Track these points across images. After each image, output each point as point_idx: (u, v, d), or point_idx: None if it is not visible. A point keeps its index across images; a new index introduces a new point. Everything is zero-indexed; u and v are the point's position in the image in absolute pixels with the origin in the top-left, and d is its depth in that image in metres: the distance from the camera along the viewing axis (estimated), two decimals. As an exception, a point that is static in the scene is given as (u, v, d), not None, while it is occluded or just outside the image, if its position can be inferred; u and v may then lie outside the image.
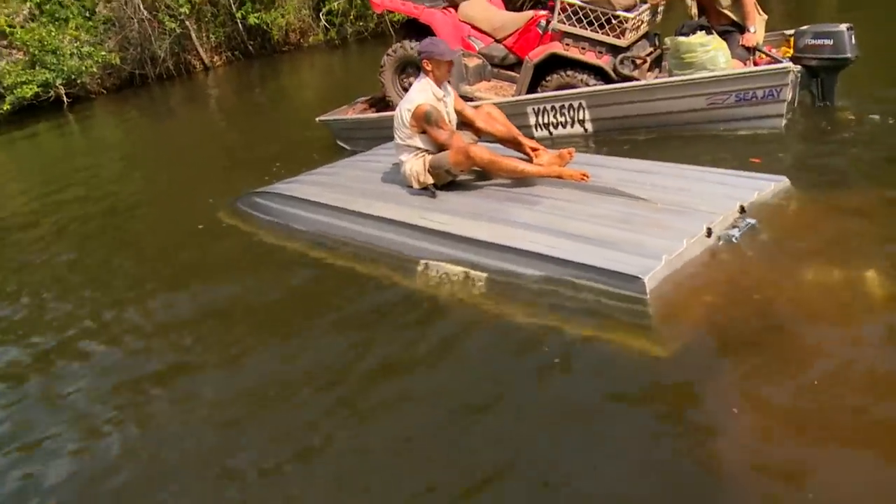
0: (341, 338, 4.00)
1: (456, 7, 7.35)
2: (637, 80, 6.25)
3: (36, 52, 17.60)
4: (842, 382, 2.91)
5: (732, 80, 5.79)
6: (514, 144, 5.03)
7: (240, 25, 19.77)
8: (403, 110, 4.92)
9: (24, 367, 4.51)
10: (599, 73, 6.43)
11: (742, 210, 4.09)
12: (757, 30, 6.15)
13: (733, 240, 3.90)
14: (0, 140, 15.59)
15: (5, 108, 17.22)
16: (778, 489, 2.50)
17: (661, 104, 6.08)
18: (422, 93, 4.89)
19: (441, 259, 4.40)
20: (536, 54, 6.68)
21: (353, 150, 7.69)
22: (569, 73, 6.52)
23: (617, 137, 6.24)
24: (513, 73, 7.00)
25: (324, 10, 19.12)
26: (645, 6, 6.46)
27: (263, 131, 10.84)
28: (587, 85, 6.40)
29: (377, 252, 4.79)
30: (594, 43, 6.41)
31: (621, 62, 6.33)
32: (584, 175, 4.62)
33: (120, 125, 15.28)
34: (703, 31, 6.10)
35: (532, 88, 6.73)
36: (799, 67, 5.81)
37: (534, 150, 4.96)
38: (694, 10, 6.41)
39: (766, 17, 6.31)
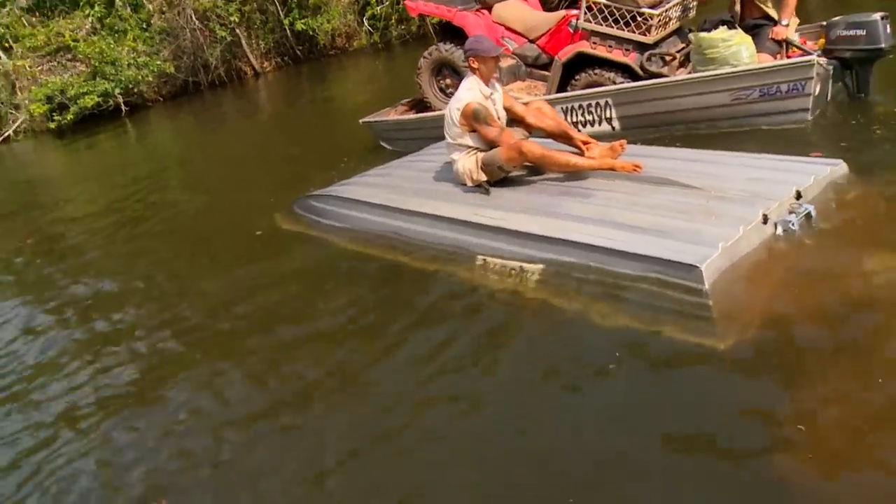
0: (418, 335, 4.02)
1: (489, 9, 7.36)
2: (665, 76, 6.18)
3: (97, 63, 18.16)
4: None
5: (755, 74, 5.67)
6: (565, 139, 4.99)
7: (288, 32, 19.99)
8: (453, 109, 4.92)
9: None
10: (627, 71, 6.39)
11: (798, 195, 4.00)
12: (789, 24, 6.02)
13: (791, 226, 3.82)
14: (65, 148, 16.01)
15: (69, 118, 17.83)
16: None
17: (686, 101, 5.99)
18: (469, 91, 4.88)
19: (497, 254, 4.40)
20: (565, 53, 6.67)
21: (395, 150, 7.81)
22: (596, 71, 6.49)
23: (657, 135, 6.14)
24: (546, 73, 6.98)
25: (367, 14, 19.23)
26: (673, 2, 6.38)
27: (312, 134, 11.01)
28: (614, 83, 6.35)
29: (434, 249, 4.80)
30: (620, 41, 6.37)
31: (648, 59, 6.27)
32: (636, 166, 4.57)
33: (175, 132, 15.62)
34: (725, 26, 5.99)
35: (562, 87, 6.71)
36: (825, 60, 5.65)
37: (585, 143, 4.92)
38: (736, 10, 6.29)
39: (797, 20, 6.18)
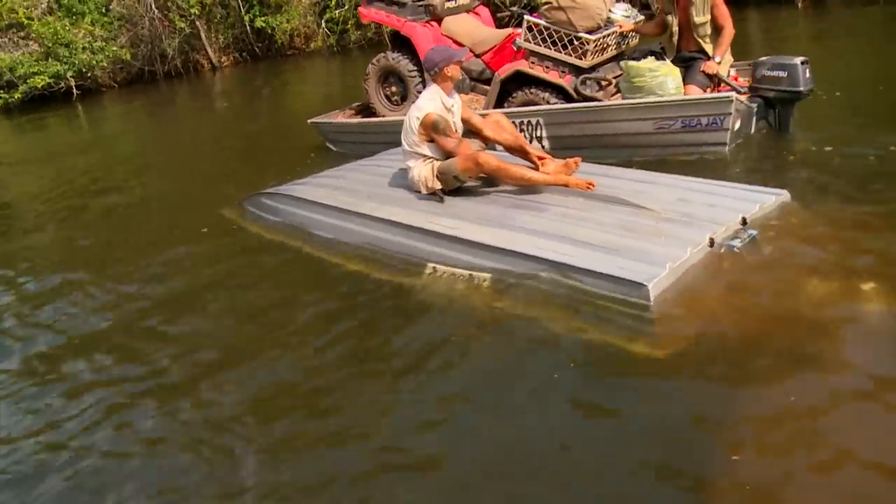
0: (351, 339, 3.97)
1: (439, 21, 7.38)
2: (598, 101, 6.28)
3: (50, 44, 17.73)
4: (837, 396, 2.91)
5: (678, 106, 5.79)
6: (520, 153, 5.01)
7: (248, 28, 19.78)
8: (412, 118, 4.90)
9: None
10: (562, 93, 6.48)
11: (744, 222, 4.09)
12: (722, 60, 6.15)
13: (735, 250, 3.89)
14: (10, 126, 15.59)
15: (17, 97, 17.31)
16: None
17: (612, 126, 6.07)
18: (431, 101, 4.87)
19: (448, 263, 4.38)
20: (504, 70, 6.75)
21: (340, 151, 7.88)
22: (532, 90, 6.57)
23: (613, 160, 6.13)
24: (487, 88, 7.02)
25: (326, 17, 19.15)
26: (611, 30, 6.50)
27: (264, 131, 10.88)
28: (548, 103, 6.44)
29: (384, 254, 4.76)
30: (557, 62, 6.46)
31: (583, 83, 6.37)
32: (589, 184, 4.62)
33: (127, 119, 15.24)
34: (653, 57, 6.13)
35: (500, 103, 6.76)
36: (745, 98, 5.83)
37: (540, 158, 4.95)
38: (674, 28, 6.40)
39: (731, 58, 6.33)
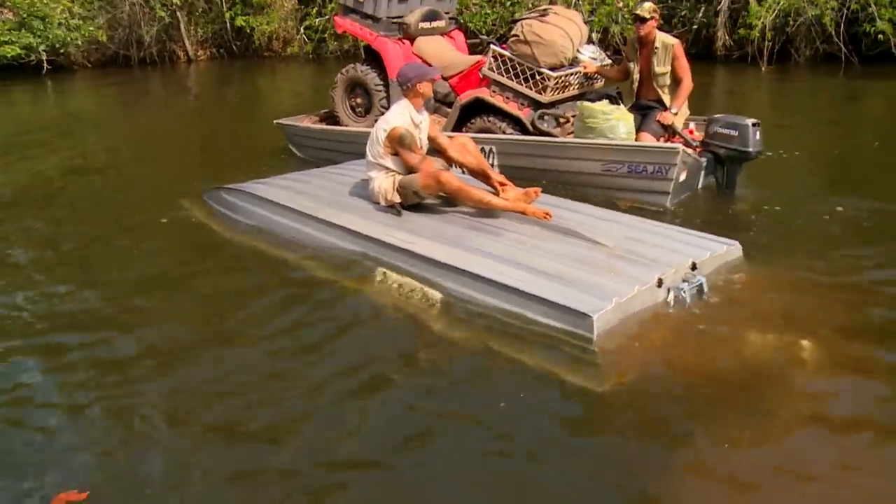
0: (291, 342, 3.91)
1: (411, 40, 7.41)
2: (554, 136, 6.33)
3: (25, 15, 17.37)
4: (763, 439, 2.97)
5: (626, 151, 5.85)
6: (483, 177, 5.02)
7: (228, 25, 19.68)
8: (379, 129, 4.89)
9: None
10: (519, 124, 6.52)
11: (694, 267, 4.12)
12: (678, 112, 6.24)
13: (682, 294, 3.92)
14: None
15: (-16, 64, 16.96)
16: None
17: (561, 162, 6.12)
18: (399, 116, 4.87)
19: (400, 275, 4.35)
20: (466, 96, 6.79)
21: (302, 156, 7.94)
22: (491, 118, 6.60)
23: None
24: (450, 110, 7.06)
25: (305, 23, 19.14)
26: (575, 69, 6.57)
27: (231, 128, 10.82)
28: (504, 132, 6.48)
29: (338, 261, 4.71)
30: (518, 94, 6.52)
31: (540, 117, 6.42)
32: (546, 214, 4.64)
33: (96, 101, 15.05)
34: (608, 101, 6.22)
35: (459, 127, 6.78)
36: (692, 151, 5.89)
37: (501, 184, 4.96)
38: (636, 75, 6.48)
39: (688, 111, 6.44)
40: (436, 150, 5.11)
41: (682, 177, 5.81)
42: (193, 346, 3.94)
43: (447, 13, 7.83)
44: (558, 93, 6.53)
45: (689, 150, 5.86)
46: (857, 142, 8.05)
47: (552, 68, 6.39)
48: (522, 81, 6.47)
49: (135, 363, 3.75)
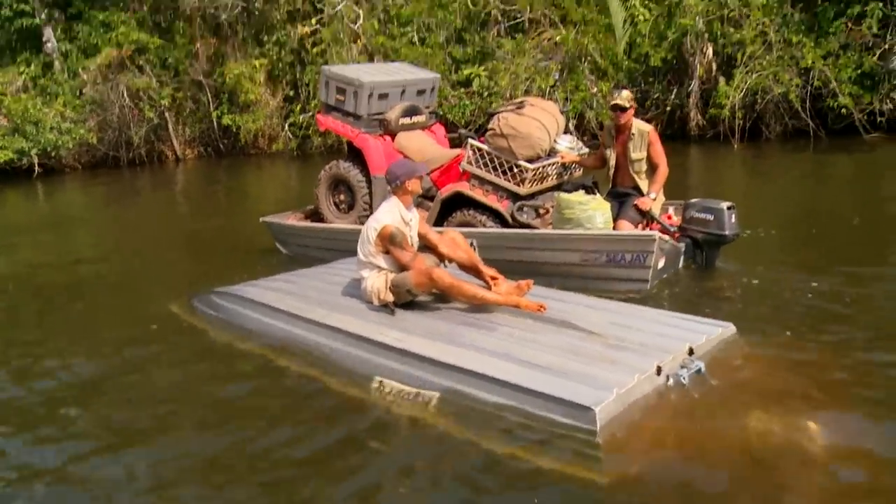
0: (289, 450, 3.80)
1: (392, 136, 7.47)
2: (534, 228, 6.33)
3: (18, 120, 17.65)
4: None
5: (603, 240, 5.86)
6: (474, 271, 5.00)
7: (214, 124, 19.93)
8: (370, 228, 4.88)
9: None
10: (499, 217, 6.52)
11: (691, 352, 4.08)
12: (656, 197, 6.28)
13: (682, 380, 3.88)
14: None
15: (-23, 169, 17.17)
16: None
17: (540, 254, 6.12)
18: (389, 214, 4.87)
19: (395, 376, 4.27)
20: (446, 190, 6.80)
21: (288, 253, 7.95)
22: (471, 212, 6.61)
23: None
24: (431, 204, 7.08)
25: (290, 120, 19.39)
26: (552, 160, 6.60)
27: (220, 227, 10.84)
28: (484, 226, 6.48)
29: (333, 363, 4.64)
30: (497, 187, 6.53)
31: (520, 209, 6.42)
32: (541, 306, 4.60)
33: (86, 202, 15.14)
34: (584, 191, 6.25)
35: (440, 222, 6.77)
36: (668, 237, 5.91)
37: (493, 278, 4.94)
38: (612, 162, 6.49)
39: (664, 198, 6.48)
40: (426, 246, 5.09)
41: (661, 263, 5.81)
42: (183, 457, 3.82)
43: (427, 107, 7.92)
44: (537, 184, 6.54)
45: (667, 237, 5.87)
46: (830, 217, 8.12)
47: (529, 160, 6.41)
48: (501, 174, 6.48)
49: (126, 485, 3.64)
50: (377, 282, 4.90)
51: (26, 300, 7.04)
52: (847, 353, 4.34)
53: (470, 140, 6.70)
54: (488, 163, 6.53)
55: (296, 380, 4.62)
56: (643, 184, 6.31)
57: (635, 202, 6.21)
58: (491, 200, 6.53)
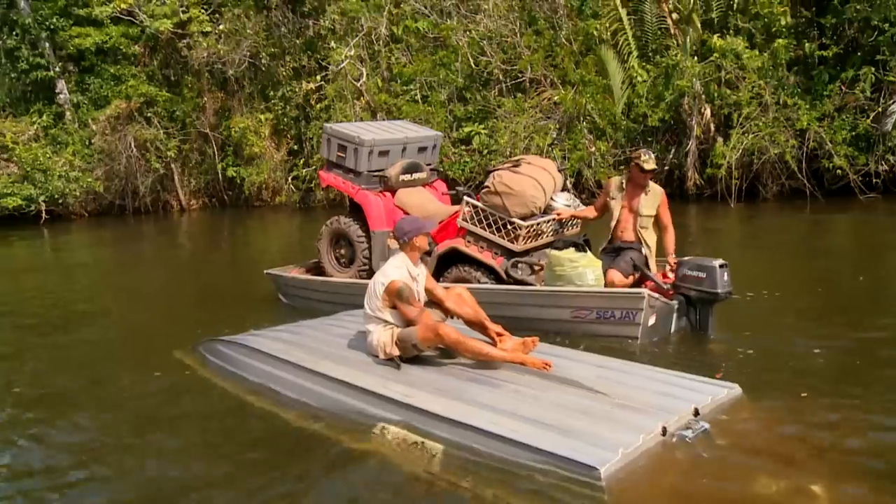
0: (292, 500, 3.76)
1: (392, 192, 7.54)
2: (530, 284, 6.36)
3: (28, 168, 17.87)
4: None
5: (593, 297, 5.87)
6: (480, 328, 4.99)
7: (220, 175, 20.07)
8: (378, 283, 4.88)
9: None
10: (493, 273, 6.55)
11: (696, 413, 4.05)
12: (652, 254, 6.31)
13: (687, 440, 3.83)
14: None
15: (-14, 216, 17.33)
16: None
17: (533, 310, 6.14)
18: (397, 269, 4.87)
19: (400, 429, 4.23)
20: (442, 246, 6.84)
21: (290, 304, 8.05)
22: (466, 268, 6.65)
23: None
24: (428, 259, 7.08)
25: (292, 174, 19.50)
26: (547, 217, 6.66)
27: (223, 277, 10.93)
28: (478, 282, 6.48)
29: (336, 415, 4.60)
30: (491, 244, 6.58)
31: (514, 265, 6.47)
32: (546, 364, 4.58)
33: (91, 250, 15.19)
34: (574, 248, 6.26)
35: (437, 276, 6.75)
36: (657, 294, 5.89)
37: (499, 335, 4.92)
38: (617, 215, 6.46)
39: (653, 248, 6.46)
40: (433, 301, 5.09)
41: (652, 320, 5.80)
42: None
43: (428, 164, 8.00)
44: (531, 241, 6.58)
45: (657, 294, 5.86)
46: (828, 279, 8.14)
47: (523, 217, 6.46)
48: (495, 231, 6.53)
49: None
50: (383, 336, 4.89)
51: (29, 351, 6.98)
52: (854, 418, 4.29)
53: (465, 197, 6.76)
54: (483, 220, 6.58)
55: (300, 430, 4.57)
56: (646, 238, 6.34)
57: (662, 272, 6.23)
58: (486, 257, 6.57)
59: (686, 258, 6.08)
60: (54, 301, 9.15)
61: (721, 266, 5.76)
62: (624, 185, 6.46)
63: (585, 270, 6.00)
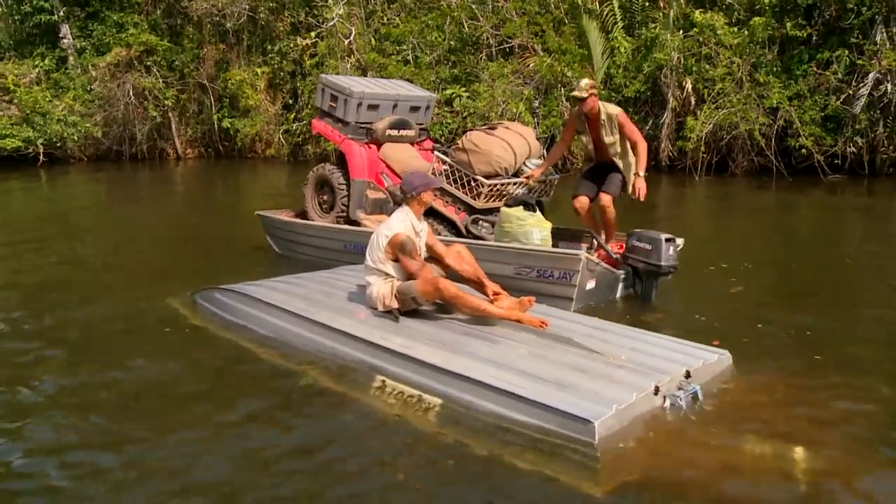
0: (287, 451, 3.61)
1: (378, 145, 7.47)
2: (483, 240, 6.29)
3: (28, 111, 17.45)
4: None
5: (533, 256, 5.75)
6: (477, 285, 4.86)
7: (216, 126, 19.73)
8: (381, 235, 4.73)
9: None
10: (455, 227, 6.52)
11: (688, 375, 3.97)
12: (641, 173, 6.09)
13: (678, 401, 3.76)
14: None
15: (-16, 156, 16.99)
16: None
17: (480, 265, 5.96)
18: (401, 223, 4.73)
19: (399, 380, 4.13)
20: None
21: (275, 247, 8.02)
22: (430, 220, 6.50)
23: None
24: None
25: (283, 128, 19.20)
26: (512, 179, 6.57)
27: (216, 224, 10.75)
28: (438, 234, 6.40)
29: (336, 365, 4.47)
30: (455, 199, 6.54)
31: (474, 222, 6.43)
32: (543, 322, 4.47)
33: (87, 193, 14.88)
34: (523, 206, 6.14)
35: None
36: (596, 258, 5.76)
37: (496, 293, 4.79)
38: (590, 146, 6.38)
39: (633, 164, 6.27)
40: (432, 257, 4.96)
41: (591, 284, 5.67)
42: (184, 455, 3.61)
43: (420, 124, 7.90)
44: (494, 200, 6.51)
45: (597, 259, 5.73)
46: (797, 253, 8.12)
47: (487, 176, 6.42)
48: (459, 187, 6.49)
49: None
50: (383, 288, 4.76)
51: (23, 295, 6.70)
52: (831, 385, 4.27)
53: (435, 153, 6.74)
54: (449, 175, 6.53)
55: (296, 379, 4.42)
56: (621, 163, 6.21)
57: (637, 191, 6.08)
58: (449, 211, 6.56)
59: (636, 229, 5.90)
60: (48, 245, 8.87)
61: (667, 240, 5.62)
62: (582, 118, 6.30)
63: (532, 229, 5.92)
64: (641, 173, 6.10)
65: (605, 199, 6.19)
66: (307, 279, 5.83)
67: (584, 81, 6.17)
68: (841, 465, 3.38)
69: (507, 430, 3.61)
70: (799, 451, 3.47)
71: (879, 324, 5.55)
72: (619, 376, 3.86)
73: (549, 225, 6.04)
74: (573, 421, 3.49)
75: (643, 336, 4.59)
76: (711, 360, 4.23)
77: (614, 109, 6.21)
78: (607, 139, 6.18)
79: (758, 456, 3.46)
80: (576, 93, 6.17)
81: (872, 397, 4.10)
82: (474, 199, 6.44)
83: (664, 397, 3.78)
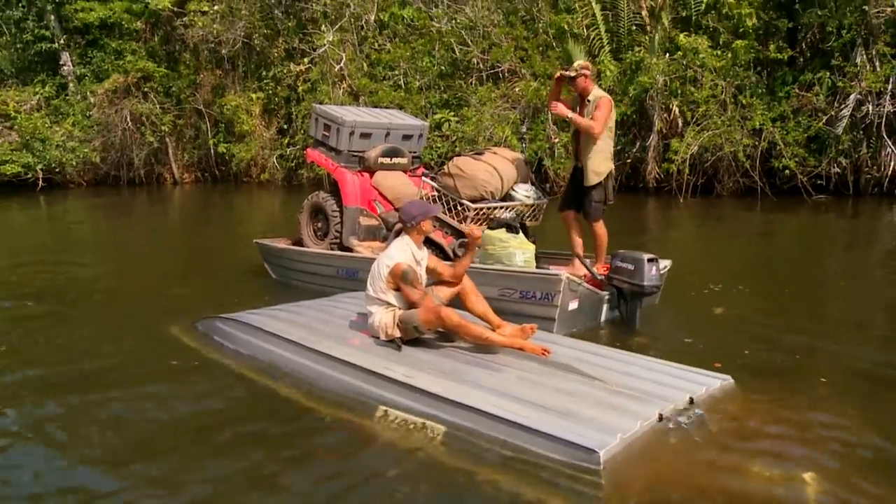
0: (292, 478, 3.54)
1: (371, 173, 7.46)
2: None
3: (28, 137, 17.46)
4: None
5: (515, 277, 5.67)
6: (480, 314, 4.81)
7: (212, 150, 19.69)
8: (382, 265, 4.66)
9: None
10: (443, 251, 6.47)
11: (691, 401, 3.91)
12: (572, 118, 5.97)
13: (683, 427, 3.70)
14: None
15: (-16, 182, 16.98)
16: None
17: None
18: (402, 252, 4.66)
19: (400, 409, 4.04)
20: (399, 222, 6.70)
21: (273, 274, 7.96)
22: None
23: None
24: (389, 235, 7.00)
25: (277, 153, 19.14)
26: (499, 204, 6.51)
27: (213, 248, 10.68)
28: None
29: (337, 395, 4.37)
30: (443, 223, 6.51)
31: (461, 245, 6.38)
32: (545, 350, 4.40)
33: (86, 218, 14.79)
34: (506, 229, 6.13)
35: None
36: (579, 280, 5.66)
37: (498, 325, 4.74)
38: (571, 148, 6.31)
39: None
40: (437, 280, 4.90)
41: (573, 305, 5.58)
42: (188, 483, 3.52)
43: (413, 152, 7.90)
44: (480, 224, 6.46)
45: (579, 280, 5.63)
46: (783, 273, 8.06)
47: (473, 200, 6.40)
48: (446, 211, 6.46)
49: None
50: (385, 317, 4.68)
51: (23, 323, 6.54)
52: (837, 409, 4.19)
53: (423, 178, 6.76)
54: (437, 199, 6.52)
55: (299, 409, 4.33)
56: (585, 160, 6.07)
57: (552, 107, 5.99)
58: (437, 235, 6.49)
59: (620, 250, 5.79)
60: (49, 273, 8.72)
61: (650, 260, 5.52)
62: (577, 100, 6.19)
63: (515, 251, 5.88)
64: (569, 115, 5.96)
65: (596, 226, 6.16)
66: (307, 307, 5.73)
67: (577, 63, 6.11)
68: (850, 490, 3.31)
69: (511, 458, 3.53)
70: (808, 477, 3.40)
71: (868, 342, 5.53)
72: (624, 404, 3.79)
73: (532, 247, 6.00)
74: (578, 450, 3.41)
75: (646, 362, 4.53)
76: (715, 385, 4.17)
77: (600, 94, 6.08)
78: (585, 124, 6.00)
79: (766, 482, 3.37)
80: (567, 72, 6.03)
81: (874, 420, 4.03)
82: (460, 224, 6.41)
83: (669, 424, 3.72)
